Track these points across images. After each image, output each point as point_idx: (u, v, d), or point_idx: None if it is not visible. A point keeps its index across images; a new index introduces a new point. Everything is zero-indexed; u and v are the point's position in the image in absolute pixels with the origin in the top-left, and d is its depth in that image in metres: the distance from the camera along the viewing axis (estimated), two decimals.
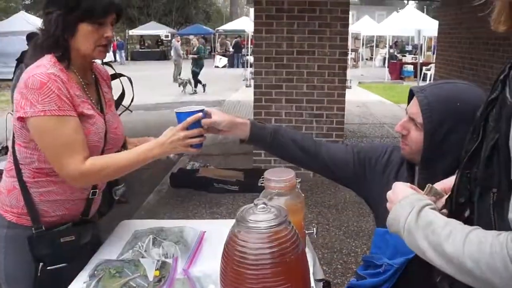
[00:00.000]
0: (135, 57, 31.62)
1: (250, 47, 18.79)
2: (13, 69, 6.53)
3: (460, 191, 1.05)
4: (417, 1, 26.80)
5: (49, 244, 1.69)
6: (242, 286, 1.35)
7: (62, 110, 1.57)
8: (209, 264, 1.69)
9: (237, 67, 25.40)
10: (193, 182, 5.69)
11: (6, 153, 4.16)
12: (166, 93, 15.02)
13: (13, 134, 1.70)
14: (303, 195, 1.76)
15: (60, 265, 1.70)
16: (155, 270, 1.62)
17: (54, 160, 1.62)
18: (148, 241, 1.86)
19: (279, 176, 1.69)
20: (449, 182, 1.21)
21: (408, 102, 1.56)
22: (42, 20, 1.70)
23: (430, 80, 18.48)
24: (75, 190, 1.76)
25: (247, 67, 18.83)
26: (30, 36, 5.58)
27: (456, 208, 1.07)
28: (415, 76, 19.07)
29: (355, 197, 5.34)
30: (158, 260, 1.70)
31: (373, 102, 13.29)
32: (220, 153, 7.33)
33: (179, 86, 15.71)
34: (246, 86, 16.60)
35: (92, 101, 1.76)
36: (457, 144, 1.30)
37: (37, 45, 1.70)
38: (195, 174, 5.90)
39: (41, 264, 1.67)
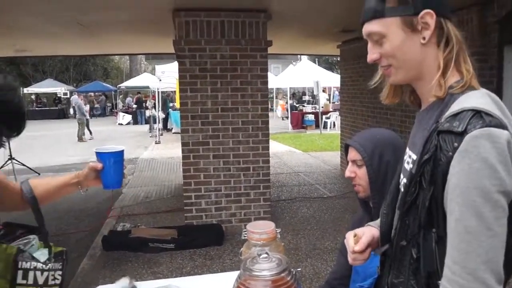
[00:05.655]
0: (31, 116, 30.23)
1: (152, 102, 18.78)
2: None
3: (401, 235, 1.29)
4: (317, 56, 28.47)
5: None
6: None
7: None
8: None
9: (141, 123, 25.20)
10: (127, 244, 5.58)
11: None
12: (72, 153, 14.51)
13: None
14: (282, 243, 1.95)
15: None
16: None
17: None
18: None
19: (261, 229, 1.85)
20: (365, 228, 1.55)
21: (346, 155, 2.03)
22: None
23: (331, 127, 19.57)
24: None
25: (154, 123, 18.75)
26: None
27: (399, 250, 1.28)
28: (317, 125, 20.11)
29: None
30: None
31: (283, 152, 13.79)
32: (147, 212, 7.28)
33: None
34: (156, 143, 16.53)
35: None
36: (391, 165, 1.82)
37: None
38: (128, 235, 5.81)
39: None
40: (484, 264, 1.03)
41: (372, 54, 1.29)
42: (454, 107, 1.14)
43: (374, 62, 1.31)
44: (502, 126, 1.07)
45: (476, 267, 1.04)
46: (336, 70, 27.01)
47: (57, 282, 1.67)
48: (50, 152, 14.77)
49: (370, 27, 1.27)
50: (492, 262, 1.04)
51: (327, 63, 34.64)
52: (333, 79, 20.07)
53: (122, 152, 1.87)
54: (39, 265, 1.61)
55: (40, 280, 1.61)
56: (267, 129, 6.28)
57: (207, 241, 5.66)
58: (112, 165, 1.84)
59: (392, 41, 1.23)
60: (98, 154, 1.85)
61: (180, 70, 6.05)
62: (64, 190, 1.88)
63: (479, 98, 1.14)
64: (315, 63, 27.31)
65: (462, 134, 1.07)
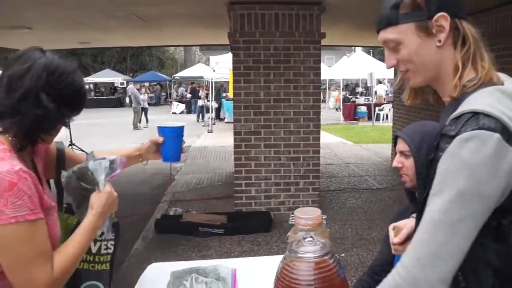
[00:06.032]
0: (89, 105, 31.23)
1: (205, 93, 19.05)
2: None
3: None
4: (371, 48, 28.08)
5: None
6: None
7: (34, 213, 1.30)
8: None
9: (195, 113, 25.51)
10: (179, 227, 5.83)
11: None
12: (128, 141, 14.92)
13: None
14: (328, 230, 2.04)
15: None
16: None
17: (21, 272, 1.30)
18: (191, 280, 2.07)
19: (308, 214, 1.94)
20: (406, 220, 1.66)
21: (394, 146, 2.08)
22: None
23: (383, 119, 19.31)
24: None
25: (207, 112, 19.11)
26: None
27: None
28: (369, 117, 19.88)
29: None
30: None
31: (334, 143, 13.73)
32: (198, 198, 7.52)
33: None
34: (208, 132, 16.84)
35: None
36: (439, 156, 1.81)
37: None
38: (179, 219, 6.06)
39: None
40: (431, 256, 1.08)
41: (390, 60, 1.31)
42: (460, 109, 1.15)
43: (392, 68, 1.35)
44: (498, 128, 1.06)
45: (422, 257, 1.09)
46: None
47: (109, 251, 1.80)
48: (107, 139, 15.30)
49: (385, 35, 1.29)
50: (440, 258, 1.07)
51: (381, 55, 33.99)
52: (387, 71, 19.65)
53: (182, 127, 1.93)
54: None
55: (94, 249, 1.76)
56: (319, 120, 6.36)
57: (256, 227, 5.82)
58: (173, 139, 1.91)
59: (408, 47, 1.25)
60: (160, 128, 1.93)
61: (234, 62, 6.21)
62: (126, 163, 1.92)
63: (485, 98, 1.13)
64: (369, 54, 26.92)
65: (454, 137, 1.10)
